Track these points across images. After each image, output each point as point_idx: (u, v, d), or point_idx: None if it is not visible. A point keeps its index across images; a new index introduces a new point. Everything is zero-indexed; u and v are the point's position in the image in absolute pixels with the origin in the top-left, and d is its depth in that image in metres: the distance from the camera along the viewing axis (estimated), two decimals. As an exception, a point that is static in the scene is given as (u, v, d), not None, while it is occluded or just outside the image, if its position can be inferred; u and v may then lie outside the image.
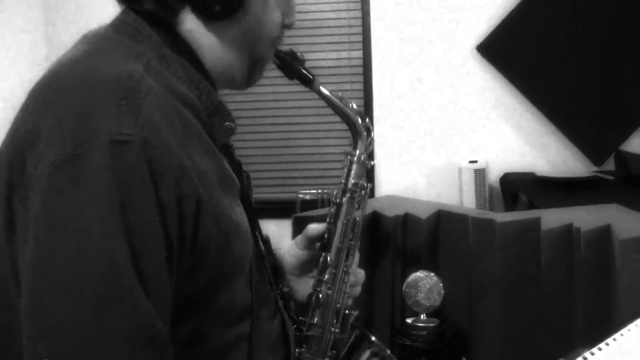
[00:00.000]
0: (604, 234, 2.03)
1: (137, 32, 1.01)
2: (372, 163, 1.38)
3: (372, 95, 4.40)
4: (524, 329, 2.18)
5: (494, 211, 4.11)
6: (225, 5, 1.02)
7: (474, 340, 2.27)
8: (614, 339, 1.19)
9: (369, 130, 1.34)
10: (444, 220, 2.35)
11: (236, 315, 1.07)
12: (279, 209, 4.10)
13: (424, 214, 2.34)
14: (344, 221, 1.31)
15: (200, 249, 0.93)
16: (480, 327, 2.26)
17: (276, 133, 4.54)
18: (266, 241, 1.27)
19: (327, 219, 1.32)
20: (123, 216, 0.84)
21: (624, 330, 1.22)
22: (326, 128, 4.40)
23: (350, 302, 1.37)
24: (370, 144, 1.34)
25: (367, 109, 4.39)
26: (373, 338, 1.38)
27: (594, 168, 4.17)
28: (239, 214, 1.05)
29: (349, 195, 1.32)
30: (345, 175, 1.33)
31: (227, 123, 1.06)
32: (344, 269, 1.31)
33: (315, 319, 1.28)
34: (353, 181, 1.33)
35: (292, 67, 1.23)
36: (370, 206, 2.43)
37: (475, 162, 4.14)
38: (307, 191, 4.25)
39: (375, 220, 2.37)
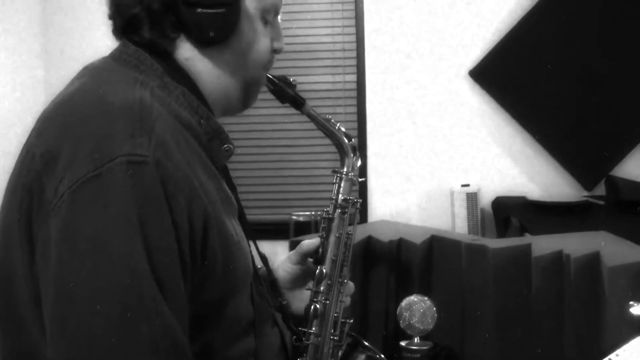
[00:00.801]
0: (594, 260, 2.06)
1: (139, 62, 1.06)
2: (361, 179, 1.45)
3: (366, 118, 4.43)
4: (515, 352, 2.20)
5: (485, 234, 4.14)
6: (218, 31, 1.08)
7: (466, 363, 2.30)
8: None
9: (354, 149, 1.41)
10: (438, 246, 2.38)
11: (241, 329, 1.11)
12: (273, 231, 4.12)
13: (418, 239, 2.37)
14: (337, 235, 1.37)
15: (208, 265, 0.98)
16: (473, 350, 2.28)
17: (269, 155, 4.56)
18: (264, 258, 1.33)
19: (320, 233, 1.38)
20: (142, 232, 0.88)
21: (612, 355, 1.27)
22: (318, 150, 4.42)
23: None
24: (356, 161, 1.41)
25: (361, 133, 4.42)
26: (366, 343, 1.43)
27: (585, 193, 4.20)
28: (239, 232, 1.11)
29: (339, 210, 1.38)
30: (335, 191, 1.41)
31: (225, 146, 1.12)
32: (340, 280, 1.37)
33: (314, 329, 1.32)
34: (342, 197, 1.39)
35: (284, 91, 1.30)
36: (365, 231, 2.46)
37: (468, 185, 4.16)
38: (301, 213, 4.26)
39: (370, 244, 2.40)
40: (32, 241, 0.93)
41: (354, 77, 4.48)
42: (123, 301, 0.86)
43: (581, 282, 2.07)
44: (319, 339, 1.33)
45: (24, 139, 1.02)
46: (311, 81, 4.47)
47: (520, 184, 4.30)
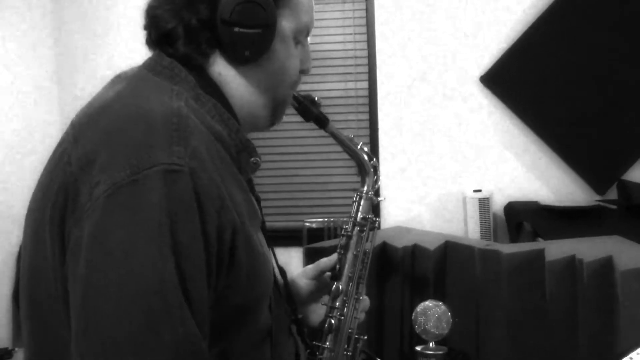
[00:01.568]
0: (606, 265, 2.07)
1: (173, 73, 1.08)
2: (379, 199, 1.48)
3: (378, 125, 4.46)
4: (529, 357, 2.21)
5: (498, 239, 4.15)
6: (253, 50, 1.10)
7: (481, 368, 2.32)
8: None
9: (375, 168, 1.45)
10: (451, 251, 2.40)
11: (259, 338, 1.14)
12: (286, 237, 4.16)
13: (431, 244, 2.39)
14: (355, 252, 1.40)
15: (233, 274, 1.00)
16: (487, 354, 2.29)
17: (282, 162, 4.60)
18: (283, 271, 1.35)
19: (338, 250, 1.41)
20: (172, 240, 0.90)
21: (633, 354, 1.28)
22: (332, 157, 4.46)
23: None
24: (376, 181, 1.44)
25: (373, 139, 4.45)
26: (378, 359, 1.45)
27: (597, 197, 4.21)
28: (263, 243, 1.13)
29: (358, 228, 1.42)
30: (354, 210, 1.44)
31: (252, 159, 1.14)
32: (355, 296, 1.39)
33: (329, 344, 1.35)
34: (362, 215, 1.43)
35: (309, 110, 1.33)
36: (380, 236, 2.48)
37: (480, 191, 4.18)
38: (314, 220, 4.28)
39: (385, 250, 2.42)
40: (64, 242, 0.95)
41: (365, 84, 4.51)
42: (149, 306, 0.88)
43: (594, 286, 2.08)
44: (333, 354, 1.36)
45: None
46: (323, 88, 4.51)
47: (532, 189, 4.31)
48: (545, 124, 4.25)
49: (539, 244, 2.53)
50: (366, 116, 4.51)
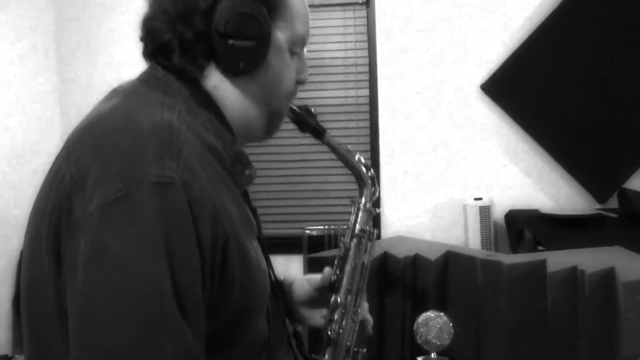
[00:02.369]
0: (608, 276, 2.08)
1: (167, 86, 1.09)
2: (378, 210, 1.47)
3: (378, 132, 4.45)
4: (530, 367, 2.22)
5: (499, 248, 4.15)
6: (248, 62, 1.11)
7: (482, 378, 2.32)
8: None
9: (373, 180, 1.44)
10: (453, 261, 2.40)
11: (257, 348, 1.14)
12: (286, 245, 4.15)
13: (432, 255, 2.39)
14: (353, 264, 1.40)
15: (226, 285, 1.00)
16: (489, 365, 2.30)
17: (282, 170, 4.59)
18: (280, 283, 1.35)
19: (335, 262, 1.41)
20: (167, 251, 0.90)
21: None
22: (332, 164, 4.44)
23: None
24: (374, 192, 1.44)
25: (373, 146, 4.45)
26: None
27: (598, 206, 4.20)
28: (259, 253, 1.13)
29: (356, 240, 1.41)
30: (352, 221, 1.43)
31: (247, 171, 1.15)
32: (354, 309, 1.39)
33: (327, 356, 1.35)
34: (359, 227, 1.42)
35: (305, 121, 1.33)
36: (381, 246, 2.48)
37: (480, 199, 4.17)
38: (314, 227, 4.28)
39: (386, 260, 2.42)
40: (60, 258, 0.95)
41: (366, 92, 4.50)
42: (146, 318, 0.88)
43: (596, 297, 2.09)
44: None
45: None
46: (324, 96, 4.50)
47: (532, 197, 4.31)
48: (546, 132, 4.25)
49: (541, 254, 2.53)
50: (367, 124, 4.50)
